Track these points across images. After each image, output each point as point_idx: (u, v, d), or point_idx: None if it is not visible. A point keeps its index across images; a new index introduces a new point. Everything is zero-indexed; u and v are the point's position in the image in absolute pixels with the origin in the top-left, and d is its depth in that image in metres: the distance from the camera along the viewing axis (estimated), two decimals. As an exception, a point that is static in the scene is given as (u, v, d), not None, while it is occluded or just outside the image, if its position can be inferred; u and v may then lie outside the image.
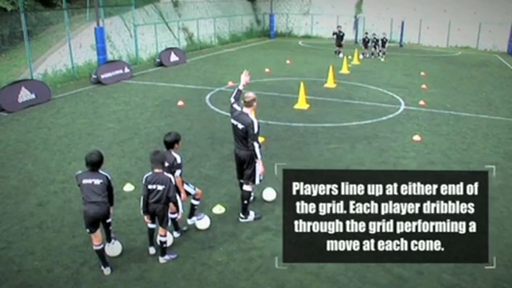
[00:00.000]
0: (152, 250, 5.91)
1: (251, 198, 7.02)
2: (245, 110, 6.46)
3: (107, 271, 5.47)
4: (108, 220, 5.64)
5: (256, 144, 6.36)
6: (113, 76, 17.07)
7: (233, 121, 6.53)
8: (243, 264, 5.73)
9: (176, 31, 25.31)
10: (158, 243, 5.71)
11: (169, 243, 5.90)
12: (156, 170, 5.47)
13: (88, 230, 5.38)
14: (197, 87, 16.31)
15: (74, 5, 21.10)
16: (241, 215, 6.83)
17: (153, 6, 24.20)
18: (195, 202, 6.43)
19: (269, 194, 7.45)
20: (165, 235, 5.66)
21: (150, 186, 5.44)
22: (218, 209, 7.05)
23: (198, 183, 7.58)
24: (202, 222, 6.51)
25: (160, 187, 5.40)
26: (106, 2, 20.13)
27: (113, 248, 5.85)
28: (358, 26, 31.99)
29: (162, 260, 5.73)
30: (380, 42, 23.71)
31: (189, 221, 6.53)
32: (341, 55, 23.48)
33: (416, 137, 10.66)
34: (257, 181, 6.74)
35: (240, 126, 6.39)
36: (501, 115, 13.04)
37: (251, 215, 6.85)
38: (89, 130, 11.19)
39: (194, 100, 14.25)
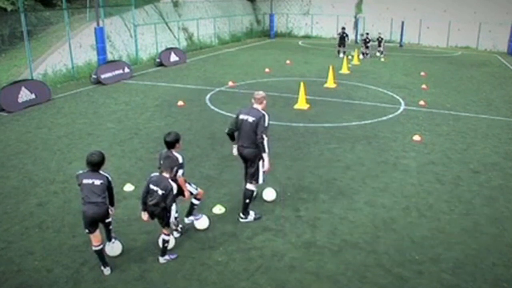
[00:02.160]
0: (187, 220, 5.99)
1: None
2: (256, 106, 6.53)
3: (107, 271, 5.47)
4: (108, 220, 5.65)
5: (265, 138, 6.37)
6: (113, 76, 17.07)
7: (242, 116, 6.48)
8: (243, 264, 5.72)
9: (176, 31, 25.31)
10: (161, 242, 5.71)
11: (170, 246, 5.89)
12: (164, 174, 5.48)
13: (87, 231, 5.36)
14: (197, 87, 16.31)
15: (74, 5, 21.12)
16: (241, 214, 6.78)
17: (153, 6, 24.21)
18: (195, 202, 6.43)
19: (269, 194, 7.45)
20: (168, 235, 5.65)
21: (151, 186, 5.44)
22: (218, 209, 7.04)
23: (199, 183, 7.56)
24: (201, 222, 6.50)
25: (160, 191, 5.37)
26: (106, 2, 20.12)
27: (113, 248, 5.85)
28: (358, 26, 32.00)
29: (162, 260, 5.73)
30: (369, 42, 23.78)
31: (186, 220, 6.52)
32: (341, 55, 23.47)
33: (416, 137, 10.66)
34: (260, 181, 6.70)
35: (250, 119, 6.37)
36: (501, 115, 13.04)
37: (251, 215, 6.82)
38: (89, 130, 11.19)
39: (194, 100, 14.25)
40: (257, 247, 6.11)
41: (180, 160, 5.84)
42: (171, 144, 5.89)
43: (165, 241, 5.67)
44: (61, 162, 9.12)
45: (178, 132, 6.02)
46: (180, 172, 5.85)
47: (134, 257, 5.84)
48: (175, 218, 5.51)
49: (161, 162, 5.77)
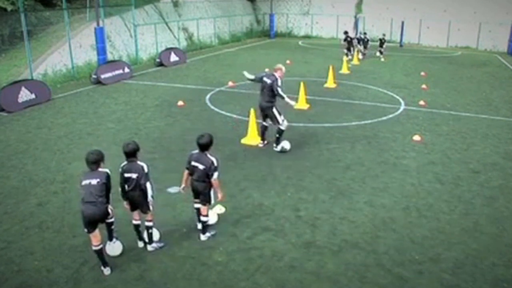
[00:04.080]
0: (140, 244, 6.09)
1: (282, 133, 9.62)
2: (273, 73, 9.35)
3: (107, 271, 5.47)
4: (110, 220, 5.67)
5: (279, 89, 9.16)
6: (113, 76, 17.07)
7: (265, 78, 9.36)
8: (243, 264, 5.73)
9: (176, 31, 25.31)
10: (145, 229, 5.88)
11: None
12: (130, 160, 5.68)
13: (86, 230, 5.38)
14: (197, 87, 16.31)
15: (74, 5, 21.11)
16: (274, 144, 9.61)
17: (153, 6, 24.21)
18: (204, 219, 6.21)
19: (285, 144, 9.66)
20: (151, 221, 5.81)
21: (126, 175, 5.65)
22: (218, 209, 7.04)
23: (198, 183, 7.56)
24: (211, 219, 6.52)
25: (134, 175, 5.59)
26: (106, 2, 20.12)
27: (114, 248, 5.86)
28: (358, 26, 32.00)
29: (150, 248, 5.91)
30: (368, 42, 23.73)
31: (203, 237, 6.27)
32: (348, 57, 21.87)
33: (416, 137, 10.66)
34: (281, 121, 9.40)
35: (269, 81, 9.27)
36: (501, 115, 13.04)
37: (281, 144, 9.54)
38: (89, 130, 11.19)
39: (194, 100, 14.25)
40: (257, 247, 6.11)
41: (215, 163, 5.86)
42: (205, 146, 5.93)
43: (148, 228, 5.83)
44: (61, 162, 9.12)
45: (210, 134, 6.05)
46: (215, 174, 5.89)
47: (134, 257, 5.85)
48: (152, 196, 5.67)
49: (192, 163, 5.94)
